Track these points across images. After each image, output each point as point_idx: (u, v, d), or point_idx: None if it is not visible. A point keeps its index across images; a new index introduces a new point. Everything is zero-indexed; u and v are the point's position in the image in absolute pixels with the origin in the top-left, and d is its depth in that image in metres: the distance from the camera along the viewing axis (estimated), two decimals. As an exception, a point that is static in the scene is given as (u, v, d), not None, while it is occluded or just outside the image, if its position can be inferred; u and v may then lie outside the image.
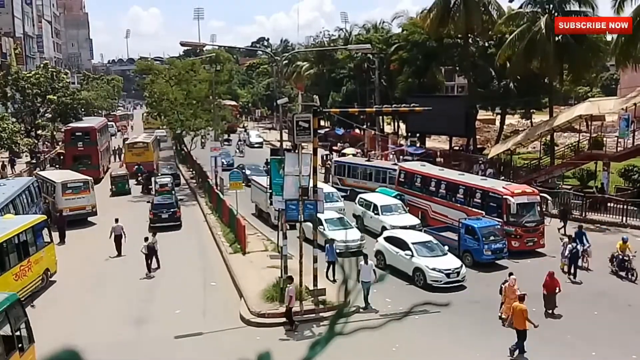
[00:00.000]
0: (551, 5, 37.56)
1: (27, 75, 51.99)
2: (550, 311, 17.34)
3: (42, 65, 56.82)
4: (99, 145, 44.30)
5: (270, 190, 21.21)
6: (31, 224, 20.44)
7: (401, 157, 43.73)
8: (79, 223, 29.79)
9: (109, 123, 60.62)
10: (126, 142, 50.16)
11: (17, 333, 13.11)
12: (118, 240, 24.41)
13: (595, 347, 15.17)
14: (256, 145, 59.18)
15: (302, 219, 17.74)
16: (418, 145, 47.70)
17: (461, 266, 20.20)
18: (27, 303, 18.71)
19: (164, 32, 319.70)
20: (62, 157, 47.94)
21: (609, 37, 38.55)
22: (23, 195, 27.24)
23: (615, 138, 34.86)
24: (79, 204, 30.30)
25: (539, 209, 24.27)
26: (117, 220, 24.91)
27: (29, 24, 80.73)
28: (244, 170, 36.77)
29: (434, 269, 19.71)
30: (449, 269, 19.78)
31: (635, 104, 31.78)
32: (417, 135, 50.04)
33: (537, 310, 17.86)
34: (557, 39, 36.55)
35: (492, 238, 22.23)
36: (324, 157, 43.85)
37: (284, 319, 16.92)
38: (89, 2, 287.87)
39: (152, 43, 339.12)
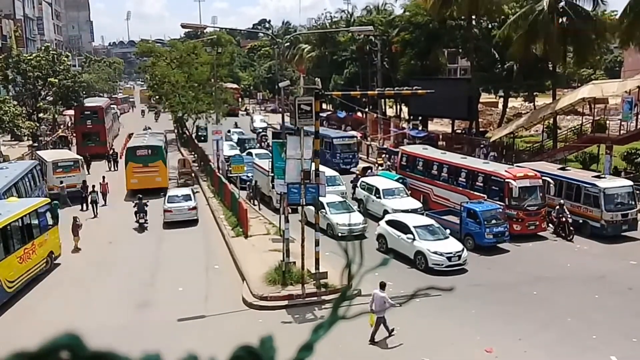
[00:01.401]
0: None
1: (28, 57, 51.72)
2: None
3: (43, 47, 56.53)
4: (105, 123, 47.50)
5: (272, 174, 21.21)
6: (35, 207, 20.43)
7: (404, 140, 43.63)
8: (73, 201, 30.14)
9: (111, 105, 61.33)
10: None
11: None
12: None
13: (596, 331, 15.24)
14: (260, 131, 54.41)
15: (304, 203, 17.75)
16: (420, 128, 47.57)
17: (463, 250, 20.25)
18: (32, 285, 19.01)
19: (167, 14, 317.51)
20: (65, 139, 48.19)
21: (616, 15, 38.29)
22: (26, 178, 27.43)
23: (619, 121, 34.74)
24: (69, 182, 31.18)
25: (540, 193, 24.23)
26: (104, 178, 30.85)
27: (29, 5, 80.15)
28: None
29: (435, 253, 19.76)
30: (451, 253, 19.82)
31: (638, 87, 31.60)
32: (420, 118, 49.87)
33: (538, 294, 17.97)
34: (560, 20, 36.27)
35: (493, 221, 22.25)
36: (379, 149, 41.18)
37: (286, 302, 17.02)
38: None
39: (155, 25, 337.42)
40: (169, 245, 23.27)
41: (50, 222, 21.27)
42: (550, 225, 24.31)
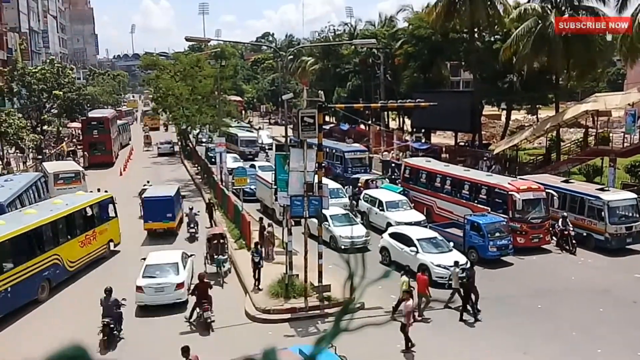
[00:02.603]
0: (560, 0, 37.37)
1: (33, 70, 52.15)
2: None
3: (47, 60, 56.98)
4: (111, 133, 49.44)
5: (275, 186, 21.22)
6: (97, 200, 23.75)
7: (407, 152, 43.64)
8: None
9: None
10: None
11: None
12: None
13: (601, 345, 15.13)
14: (267, 147, 54.34)
15: (307, 215, 17.73)
16: (423, 140, 47.60)
17: (466, 262, 20.15)
18: (91, 267, 21.93)
19: (175, 27, 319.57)
20: (71, 154, 48.51)
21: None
22: (30, 190, 27.58)
23: (622, 134, 34.71)
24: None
25: (544, 206, 24.16)
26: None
27: (35, 19, 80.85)
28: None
29: (439, 266, 19.68)
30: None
31: (642, 100, 31.63)
32: (423, 130, 49.91)
33: (543, 307, 17.87)
34: (563, 34, 36.42)
35: (497, 234, 22.19)
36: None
37: (289, 315, 16.94)
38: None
39: (162, 39, 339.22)
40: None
41: (112, 214, 24.28)
42: (553, 237, 24.23)
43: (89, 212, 22.87)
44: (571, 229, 23.66)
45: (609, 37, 38.67)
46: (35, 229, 19.21)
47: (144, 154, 56.47)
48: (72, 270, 20.79)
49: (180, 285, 17.67)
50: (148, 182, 30.40)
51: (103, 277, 20.15)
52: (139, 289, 17.40)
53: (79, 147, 54.46)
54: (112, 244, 23.90)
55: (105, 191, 28.57)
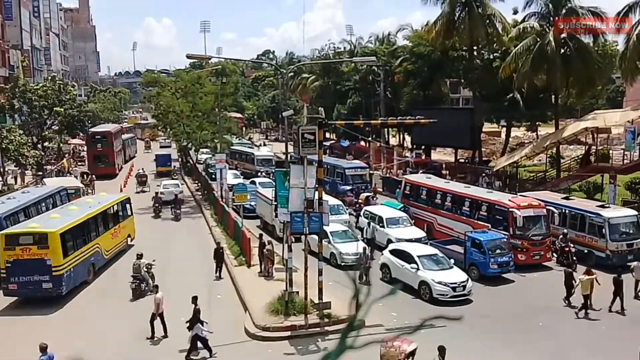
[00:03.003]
0: (557, 18, 37.65)
1: (35, 87, 52.42)
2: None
3: (49, 77, 57.30)
4: (114, 147, 52.27)
5: (276, 203, 21.19)
6: (119, 200, 27.37)
7: (407, 169, 43.67)
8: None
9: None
10: None
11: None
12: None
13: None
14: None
15: (307, 232, 17.68)
16: (423, 157, 47.64)
17: (467, 280, 20.06)
18: (117, 258, 25.27)
19: (177, 45, 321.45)
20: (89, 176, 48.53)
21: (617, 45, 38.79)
22: (43, 202, 27.67)
23: (622, 151, 34.75)
24: None
25: (545, 222, 24.10)
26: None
27: (37, 36, 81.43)
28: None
29: (440, 283, 19.58)
30: (455, 283, 19.64)
31: (641, 117, 31.73)
32: (423, 147, 50.01)
33: (544, 324, 17.74)
34: (562, 51, 36.69)
35: (498, 251, 22.11)
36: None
37: (289, 333, 16.81)
38: (100, 14, 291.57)
39: (165, 56, 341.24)
40: (171, 274, 23.10)
41: (129, 212, 27.87)
42: (554, 254, 24.15)
43: (115, 209, 26.54)
44: (572, 245, 23.59)
45: (610, 41, 39.00)
46: (85, 221, 22.85)
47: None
48: (107, 258, 24.51)
49: None
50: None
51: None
52: None
53: (79, 163, 55.10)
54: (129, 239, 27.47)
55: None
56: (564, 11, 37.50)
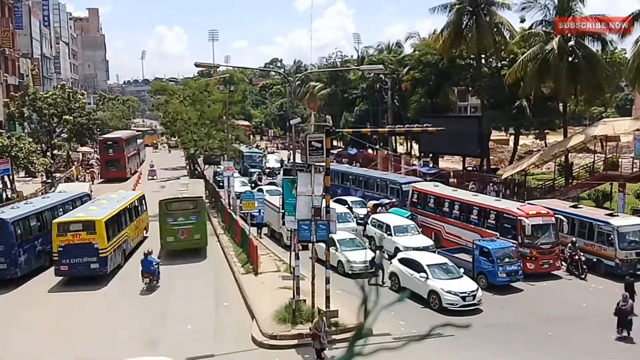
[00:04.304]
0: (557, 18, 37.59)
1: (44, 95, 52.89)
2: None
3: (59, 86, 57.82)
4: (125, 152, 54.10)
5: (283, 211, 21.18)
6: (138, 196, 30.82)
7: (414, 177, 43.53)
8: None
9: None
10: None
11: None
12: None
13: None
14: (276, 171, 53.27)
15: (315, 240, 17.65)
16: (431, 165, 47.54)
17: (477, 289, 19.90)
18: (137, 248, 27.78)
19: (188, 53, 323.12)
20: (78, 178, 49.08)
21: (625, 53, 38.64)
22: (61, 208, 27.94)
23: (631, 159, 34.55)
24: None
25: (554, 231, 23.95)
26: None
27: (47, 45, 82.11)
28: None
29: (449, 292, 19.43)
30: (465, 292, 19.48)
31: (650, 125, 31.55)
32: (430, 155, 49.92)
33: (554, 334, 17.59)
34: (569, 59, 36.59)
35: (506, 260, 21.96)
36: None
37: (296, 341, 16.74)
38: (112, 22, 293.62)
39: (176, 64, 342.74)
40: (178, 282, 23.12)
41: (145, 207, 31.06)
42: (563, 263, 23.99)
43: (136, 204, 29.49)
44: (581, 254, 23.42)
45: (618, 49, 38.91)
46: (118, 212, 25.81)
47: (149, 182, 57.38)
48: (132, 246, 27.53)
49: None
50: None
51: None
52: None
53: (88, 171, 55.60)
54: (145, 231, 30.61)
55: None
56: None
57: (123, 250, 25.73)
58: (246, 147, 58.90)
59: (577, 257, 23.34)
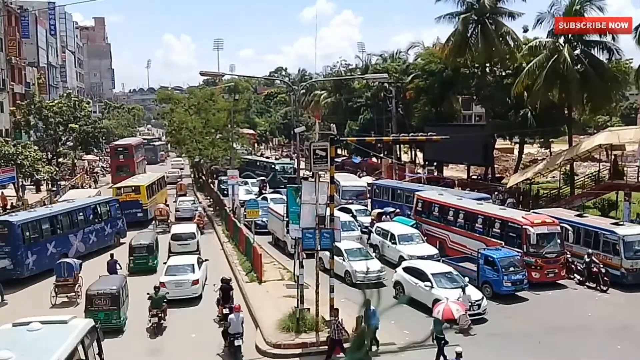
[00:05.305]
0: (571, 35, 37.57)
1: (50, 104, 53.13)
2: None
3: (64, 94, 58.12)
4: (135, 158, 56.36)
5: (287, 219, 21.16)
6: (162, 175, 45.06)
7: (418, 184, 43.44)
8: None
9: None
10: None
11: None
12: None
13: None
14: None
15: (319, 248, 17.60)
16: (435, 174, 47.46)
17: (482, 298, 19.80)
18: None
19: (196, 62, 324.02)
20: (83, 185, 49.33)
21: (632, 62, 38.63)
22: (83, 211, 29.96)
23: (636, 167, 34.40)
24: None
25: (559, 240, 23.82)
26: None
27: (53, 54, 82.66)
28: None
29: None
30: (470, 302, 19.38)
31: (656, 134, 31.44)
32: (435, 163, 49.86)
33: (559, 344, 17.47)
34: (577, 67, 36.52)
35: (511, 269, 21.85)
36: None
37: (300, 350, 16.67)
38: (119, 31, 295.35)
39: (183, 73, 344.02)
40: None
41: (165, 185, 42.58)
42: (576, 275, 23.66)
43: (161, 181, 42.36)
44: (601, 266, 22.92)
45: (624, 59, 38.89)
46: (153, 182, 39.52)
47: None
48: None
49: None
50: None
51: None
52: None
53: (93, 178, 56.15)
54: (165, 202, 39.56)
55: None
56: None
57: (153, 210, 36.45)
58: (275, 159, 59.23)
59: (595, 269, 22.90)
